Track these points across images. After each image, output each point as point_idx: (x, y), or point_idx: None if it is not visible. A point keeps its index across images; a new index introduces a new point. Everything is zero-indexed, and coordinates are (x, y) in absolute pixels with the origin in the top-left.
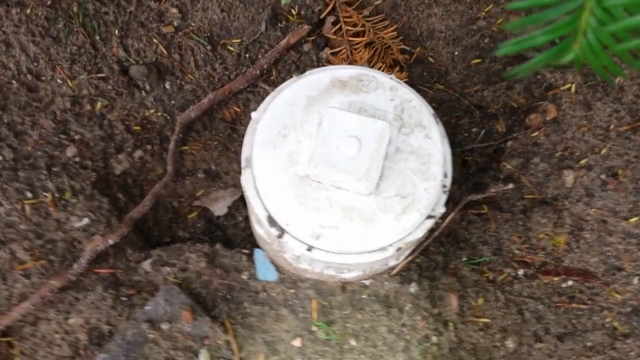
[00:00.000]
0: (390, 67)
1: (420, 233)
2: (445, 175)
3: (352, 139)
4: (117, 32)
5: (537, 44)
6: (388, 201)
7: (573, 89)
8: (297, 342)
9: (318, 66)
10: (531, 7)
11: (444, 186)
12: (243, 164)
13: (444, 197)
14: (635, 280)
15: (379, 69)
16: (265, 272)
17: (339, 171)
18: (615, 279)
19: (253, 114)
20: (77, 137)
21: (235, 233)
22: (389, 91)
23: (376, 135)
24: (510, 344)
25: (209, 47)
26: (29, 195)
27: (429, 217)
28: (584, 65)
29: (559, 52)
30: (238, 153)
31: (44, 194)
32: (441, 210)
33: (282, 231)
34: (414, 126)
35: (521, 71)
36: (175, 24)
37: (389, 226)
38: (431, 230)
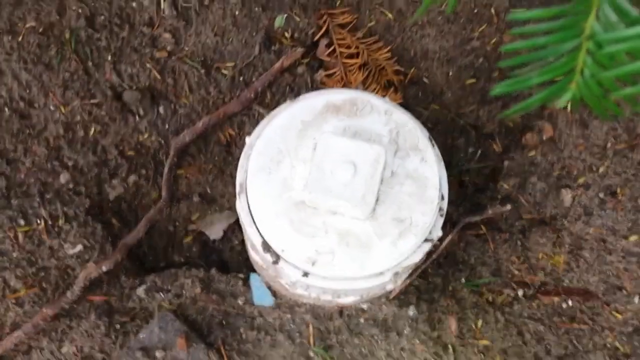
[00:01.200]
0: (384, 88)
1: (417, 257)
2: (441, 198)
3: (347, 164)
4: (110, 57)
5: (533, 84)
6: (384, 226)
7: (569, 108)
8: None
9: (312, 88)
10: (527, 48)
11: (441, 209)
12: (238, 189)
13: (441, 220)
14: (636, 300)
15: (373, 90)
16: (261, 297)
17: (335, 197)
18: (616, 298)
19: (247, 139)
20: (70, 163)
21: (231, 257)
22: (384, 115)
23: (371, 159)
24: None
25: (202, 71)
26: (22, 222)
27: (426, 240)
28: (580, 106)
29: (556, 91)
30: (233, 176)
31: (37, 221)
32: (438, 233)
33: (277, 257)
34: (409, 149)
35: (516, 112)
36: (168, 48)
37: (385, 251)
38: (429, 253)
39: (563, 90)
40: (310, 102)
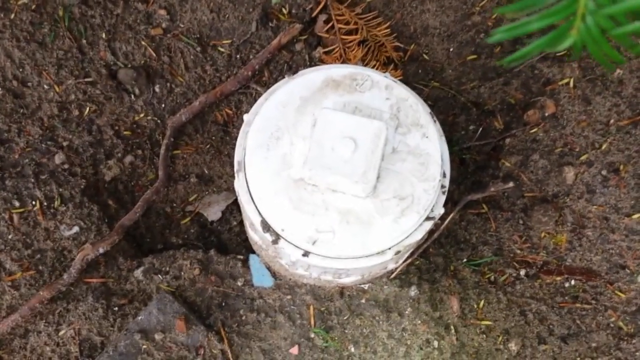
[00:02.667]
0: (384, 65)
1: (419, 235)
2: (443, 175)
3: (348, 140)
4: (104, 35)
5: (532, 30)
6: (386, 203)
7: (571, 84)
8: (294, 350)
9: (311, 66)
10: None
11: (443, 186)
12: (236, 167)
13: (443, 198)
14: (639, 279)
15: (372, 67)
16: (260, 278)
17: (335, 173)
18: (619, 277)
19: (245, 117)
20: (65, 143)
21: (229, 238)
22: (384, 90)
23: (372, 135)
24: (513, 346)
25: (198, 49)
26: (17, 204)
27: (428, 218)
28: (582, 53)
29: (556, 38)
30: (231, 156)
31: (32, 202)
32: (440, 211)
33: (277, 236)
34: (410, 125)
35: (516, 59)
36: (163, 25)
37: (387, 229)
38: (430, 232)
39: (564, 36)
40: (309, 78)
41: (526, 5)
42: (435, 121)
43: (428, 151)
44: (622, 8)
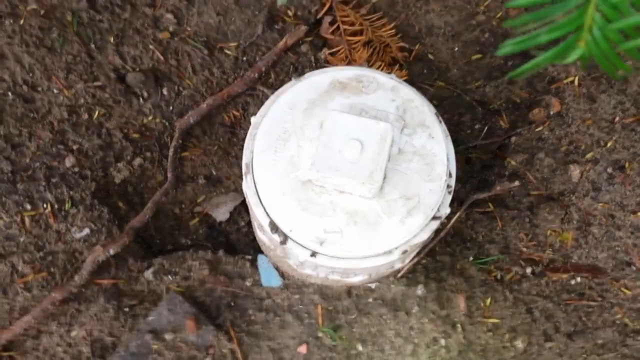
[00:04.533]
0: (389, 66)
1: (425, 235)
2: (449, 175)
3: (354, 141)
4: (112, 39)
5: (541, 42)
6: (392, 204)
7: (576, 82)
8: (303, 349)
9: (316, 67)
10: (531, 5)
11: (449, 186)
12: (244, 169)
13: (449, 197)
14: None
15: (378, 67)
16: (269, 278)
17: (342, 175)
18: (625, 274)
19: (252, 119)
20: (75, 147)
21: (238, 238)
22: (390, 91)
23: (378, 137)
24: (519, 344)
25: (205, 52)
26: (28, 207)
27: (434, 218)
28: (589, 63)
29: (564, 50)
30: (239, 157)
31: (44, 205)
32: (446, 210)
33: (285, 237)
34: (416, 126)
35: (524, 71)
36: (171, 29)
37: (393, 229)
38: (437, 231)
39: (571, 48)
40: (316, 80)
41: (535, 18)
42: (440, 121)
43: (434, 151)
44: (629, 23)
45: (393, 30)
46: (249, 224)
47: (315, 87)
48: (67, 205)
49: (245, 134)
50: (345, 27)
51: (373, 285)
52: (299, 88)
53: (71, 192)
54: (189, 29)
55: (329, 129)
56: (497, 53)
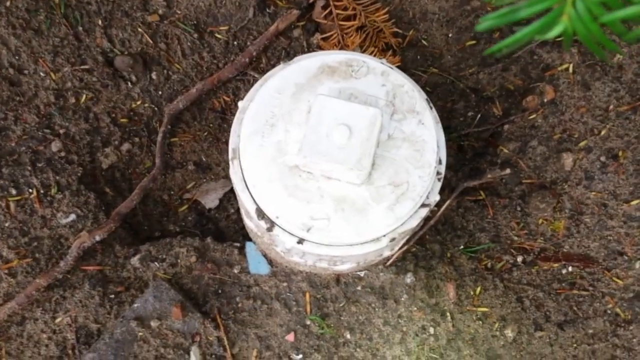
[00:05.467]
0: (382, 51)
1: (414, 222)
2: (439, 162)
3: (343, 126)
4: (100, 22)
5: (521, 18)
6: (381, 190)
7: (571, 69)
8: (290, 337)
9: (309, 52)
10: None
11: (439, 173)
12: (230, 155)
13: (439, 184)
14: (637, 265)
15: (371, 53)
16: (257, 266)
17: (329, 160)
18: (617, 264)
19: (240, 103)
20: (62, 131)
21: (227, 225)
22: (380, 76)
23: (367, 122)
24: (509, 333)
25: (195, 35)
26: (14, 192)
27: (424, 205)
28: (573, 39)
29: (547, 24)
30: (228, 143)
31: (29, 190)
32: (436, 198)
33: (271, 224)
34: (406, 112)
35: (503, 47)
36: (160, 12)
37: (382, 216)
38: (426, 219)
39: (554, 23)
40: (305, 64)
41: None
42: (431, 108)
43: (424, 138)
44: None
45: (386, 15)
46: (239, 211)
47: (304, 71)
48: (53, 191)
49: None
50: (338, 11)
51: (362, 274)
52: (287, 72)
53: (57, 177)
54: (178, 12)
55: (317, 113)
56: (477, 28)
